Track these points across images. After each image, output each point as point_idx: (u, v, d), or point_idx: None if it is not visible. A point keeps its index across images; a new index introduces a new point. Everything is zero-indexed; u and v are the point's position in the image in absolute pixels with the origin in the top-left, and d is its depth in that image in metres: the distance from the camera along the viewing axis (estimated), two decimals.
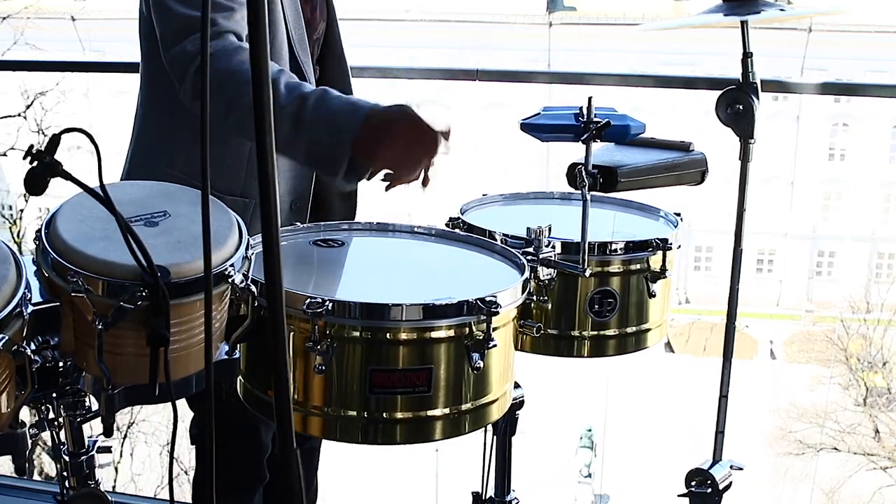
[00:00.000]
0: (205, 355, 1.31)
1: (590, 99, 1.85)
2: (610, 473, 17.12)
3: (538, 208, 2.47)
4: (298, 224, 2.06)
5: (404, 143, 1.81)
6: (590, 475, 17.84)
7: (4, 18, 26.98)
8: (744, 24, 1.91)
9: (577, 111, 1.88)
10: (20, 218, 24.67)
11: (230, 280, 1.48)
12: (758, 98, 1.93)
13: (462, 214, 2.28)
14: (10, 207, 26.25)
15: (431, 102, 2.38)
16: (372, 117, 1.80)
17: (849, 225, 35.23)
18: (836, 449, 22.91)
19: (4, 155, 23.40)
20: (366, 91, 2.36)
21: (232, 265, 1.49)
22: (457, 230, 2.18)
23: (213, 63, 1.91)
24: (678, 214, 2.30)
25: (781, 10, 1.77)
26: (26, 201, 24.03)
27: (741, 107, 1.92)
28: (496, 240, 2.10)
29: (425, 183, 1.87)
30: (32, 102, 25.13)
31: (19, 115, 20.07)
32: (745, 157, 1.97)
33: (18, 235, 23.58)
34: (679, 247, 2.25)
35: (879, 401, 23.11)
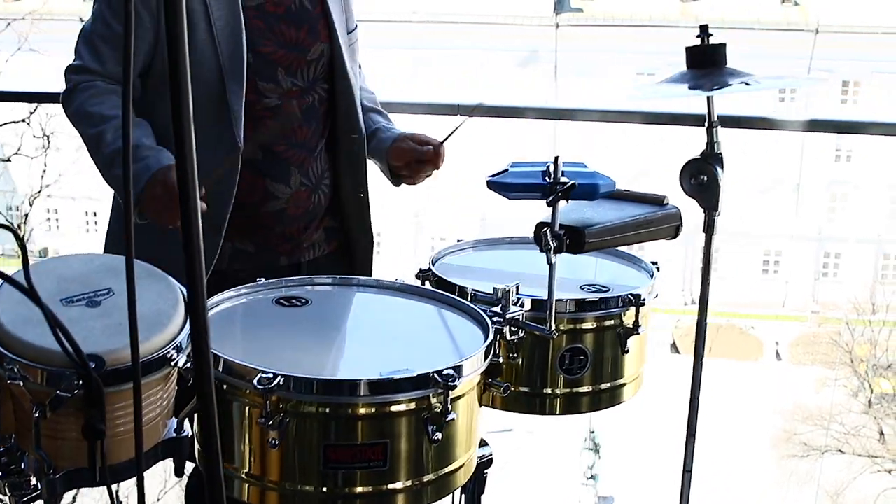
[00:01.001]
0: (135, 444, 1.25)
1: (556, 158, 1.80)
2: (614, 476, 17.11)
3: (514, 254, 2.43)
4: (261, 280, 2.01)
5: (159, 204, 2.01)
6: (593, 477, 17.82)
7: (9, 24, 26.99)
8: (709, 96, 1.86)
9: (545, 169, 1.83)
10: (24, 222, 24.71)
11: (173, 363, 1.44)
12: (722, 168, 1.88)
13: (433, 265, 2.23)
14: (17, 208, 26.30)
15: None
16: (148, 183, 2.01)
17: (855, 227, 35.14)
18: (840, 451, 22.85)
19: (8, 160, 23.43)
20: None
21: (176, 347, 1.45)
22: (426, 283, 2.14)
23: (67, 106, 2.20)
24: (654, 263, 2.25)
25: (747, 84, 1.71)
26: (31, 205, 24.09)
27: (705, 177, 1.86)
28: (466, 294, 2.05)
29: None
30: (37, 108, 25.13)
31: (23, 120, 20.07)
32: (709, 228, 1.92)
33: (24, 239, 23.58)
34: (657, 296, 2.21)
35: (885, 403, 23.04)
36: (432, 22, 37.79)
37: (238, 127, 2.16)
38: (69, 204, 32.94)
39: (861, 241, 35.01)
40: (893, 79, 36.07)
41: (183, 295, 1.55)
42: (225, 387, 1.61)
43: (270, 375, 1.55)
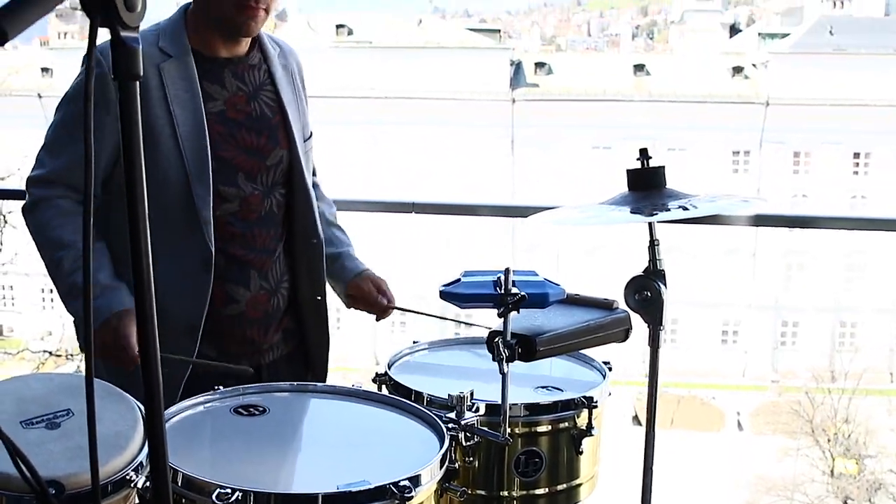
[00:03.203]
0: None
1: (507, 270, 1.86)
2: None
3: (470, 355, 2.47)
4: (220, 388, 2.04)
5: (105, 350, 2.09)
6: None
7: None
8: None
9: (496, 279, 1.88)
10: None
11: (132, 485, 1.46)
12: (665, 285, 1.94)
13: (389, 368, 2.27)
14: None
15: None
16: (100, 327, 2.09)
17: (812, 295, 35.55)
18: None
19: None
20: None
21: (136, 469, 1.47)
22: (383, 387, 2.17)
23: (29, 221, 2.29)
24: (607, 363, 2.30)
25: (685, 209, 1.79)
26: None
27: (649, 294, 1.93)
28: (422, 399, 2.09)
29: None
30: None
31: None
32: (654, 343, 1.98)
33: None
34: (610, 394, 2.26)
35: (845, 477, 23.13)
36: (390, 98, 38.20)
37: (209, 232, 2.22)
38: (24, 280, 32.60)
39: (819, 309, 35.39)
40: (843, 149, 36.86)
41: (142, 413, 1.57)
42: (184, 501, 1.63)
43: (229, 491, 1.57)
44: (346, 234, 2.65)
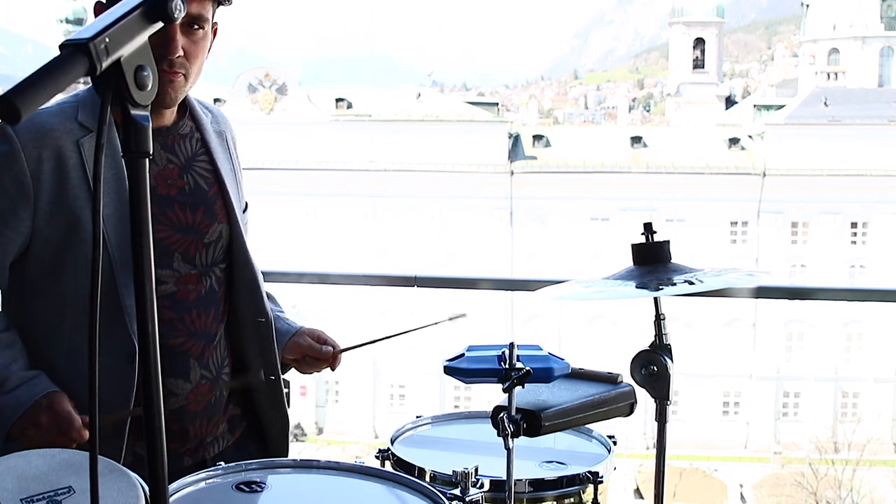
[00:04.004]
0: None
1: (511, 345, 1.85)
2: None
3: (475, 428, 2.44)
4: (222, 464, 2.01)
5: (46, 433, 1.96)
6: None
7: None
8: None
9: (500, 354, 1.87)
10: None
11: None
12: (672, 359, 1.94)
13: (392, 444, 2.25)
14: None
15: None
16: (25, 413, 1.97)
17: (812, 365, 35.46)
18: None
19: None
20: (304, 297, 2.38)
21: None
22: (387, 463, 2.15)
23: None
24: (611, 437, 2.28)
25: (691, 283, 1.79)
26: None
27: (655, 368, 1.92)
28: (426, 475, 2.06)
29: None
30: None
31: None
32: (661, 417, 1.97)
33: None
34: (615, 468, 2.23)
35: None
36: (390, 170, 38.49)
37: (132, 323, 1.98)
38: None
39: (820, 379, 35.27)
40: (840, 219, 37.05)
41: (144, 492, 1.55)
42: None
43: None
44: (275, 300, 2.46)
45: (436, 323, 2.11)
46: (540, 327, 32.63)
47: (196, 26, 1.98)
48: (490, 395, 2.10)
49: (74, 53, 0.98)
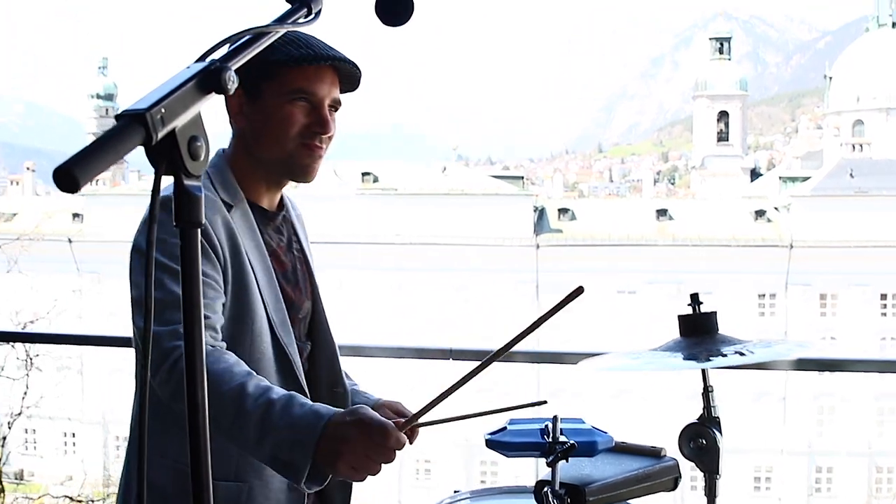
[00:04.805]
0: None
1: (555, 418, 1.82)
2: None
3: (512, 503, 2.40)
4: None
5: (362, 450, 1.79)
6: None
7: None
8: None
9: (544, 427, 1.84)
10: (2, 445, 24.30)
11: None
12: (720, 432, 1.90)
13: None
14: None
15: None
16: (330, 426, 1.78)
17: (845, 439, 34.87)
18: None
19: None
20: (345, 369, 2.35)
21: None
22: None
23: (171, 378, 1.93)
24: None
25: (742, 354, 1.76)
26: (9, 427, 23.75)
27: (704, 441, 1.89)
28: None
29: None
30: (25, 328, 25.21)
31: (8, 342, 20.07)
32: (711, 492, 1.92)
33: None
34: None
35: None
36: (416, 244, 38.62)
37: (301, 374, 2.14)
38: (47, 424, 32.49)
39: (852, 454, 34.68)
40: (870, 291, 36.73)
41: None
42: None
43: None
44: (348, 374, 2.47)
45: (516, 407, 2.07)
46: (567, 401, 32.37)
47: (335, 109, 2.16)
48: (518, 470, 2.05)
49: (131, 123, 0.99)
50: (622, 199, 69.72)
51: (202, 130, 1.08)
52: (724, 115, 66.39)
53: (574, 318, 35.19)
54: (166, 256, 1.97)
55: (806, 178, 45.10)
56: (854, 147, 49.75)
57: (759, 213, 39.47)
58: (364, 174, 42.60)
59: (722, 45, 68.26)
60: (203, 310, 1.99)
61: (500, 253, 37.83)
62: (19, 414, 24.12)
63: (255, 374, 1.92)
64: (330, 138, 2.17)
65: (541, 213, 40.34)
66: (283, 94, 2.10)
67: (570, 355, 2.57)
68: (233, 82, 1.10)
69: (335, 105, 2.14)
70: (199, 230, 1.07)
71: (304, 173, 2.17)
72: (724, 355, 1.79)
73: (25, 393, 23.05)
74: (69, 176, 0.92)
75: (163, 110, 1.01)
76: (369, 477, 1.84)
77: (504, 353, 1.84)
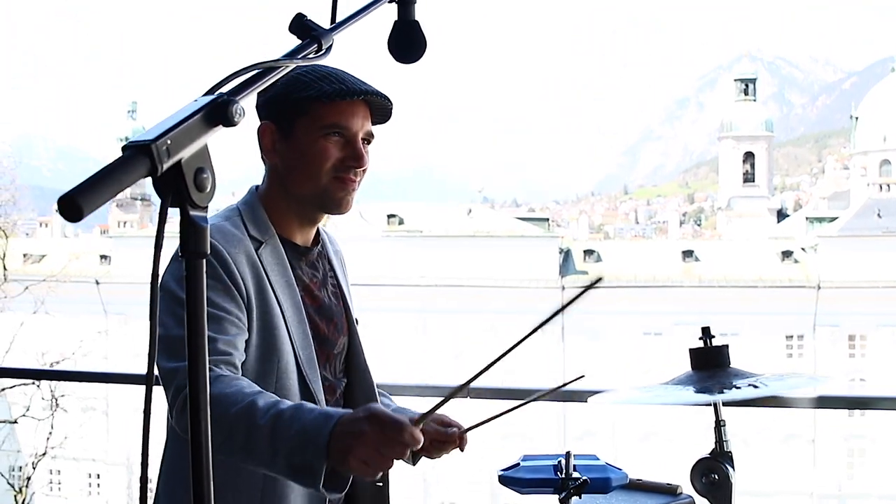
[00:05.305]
0: None
1: (568, 454, 1.81)
2: None
3: None
4: None
5: (374, 443, 1.73)
6: None
7: (26, 288, 27.77)
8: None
9: (557, 463, 1.83)
10: (26, 485, 24.39)
11: None
12: (733, 467, 1.88)
13: None
14: (20, 469, 26.00)
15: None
16: (341, 423, 1.75)
17: (876, 482, 34.34)
18: None
19: (15, 422, 23.42)
20: None
21: None
22: None
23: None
24: None
25: (755, 387, 1.75)
26: (34, 468, 23.83)
27: (716, 476, 1.86)
28: None
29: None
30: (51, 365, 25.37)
31: (33, 383, 20.18)
32: None
33: (23, 503, 23.22)
34: None
35: None
36: (441, 286, 38.62)
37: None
38: (71, 465, 32.53)
39: (883, 497, 34.12)
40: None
41: None
42: None
43: None
44: (387, 395, 2.49)
45: (557, 388, 2.01)
46: (593, 443, 32.09)
47: (368, 142, 2.16)
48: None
49: (136, 154, 1.00)
50: (648, 240, 69.54)
51: (209, 162, 1.09)
52: (749, 156, 66.22)
53: (599, 359, 35.00)
54: None
55: (833, 219, 44.86)
56: (881, 187, 49.49)
57: (786, 254, 39.22)
58: (390, 216, 42.74)
59: (747, 86, 68.19)
60: (224, 346, 2.03)
61: (525, 295, 37.73)
62: (44, 454, 24.23)
63: (265, 392, 1.92)
64: (364, 171, 2.16)
65: (566, 254, 40.27)
66: (316, 129, 2.10)
67: (584, 392, 2.56)
68: (240, 115, 1.11)
69: (368, 138, 2.15)
70: (203, 261, 1.07)
71: (338, 206, 2.17)
72: (738, 388, 1.77)
73: (50, 433, 23.19)
74: (73, 204, 0.93)
75: (168, 142, 1.03)
76: None
77: (525, 341, 1.82)
